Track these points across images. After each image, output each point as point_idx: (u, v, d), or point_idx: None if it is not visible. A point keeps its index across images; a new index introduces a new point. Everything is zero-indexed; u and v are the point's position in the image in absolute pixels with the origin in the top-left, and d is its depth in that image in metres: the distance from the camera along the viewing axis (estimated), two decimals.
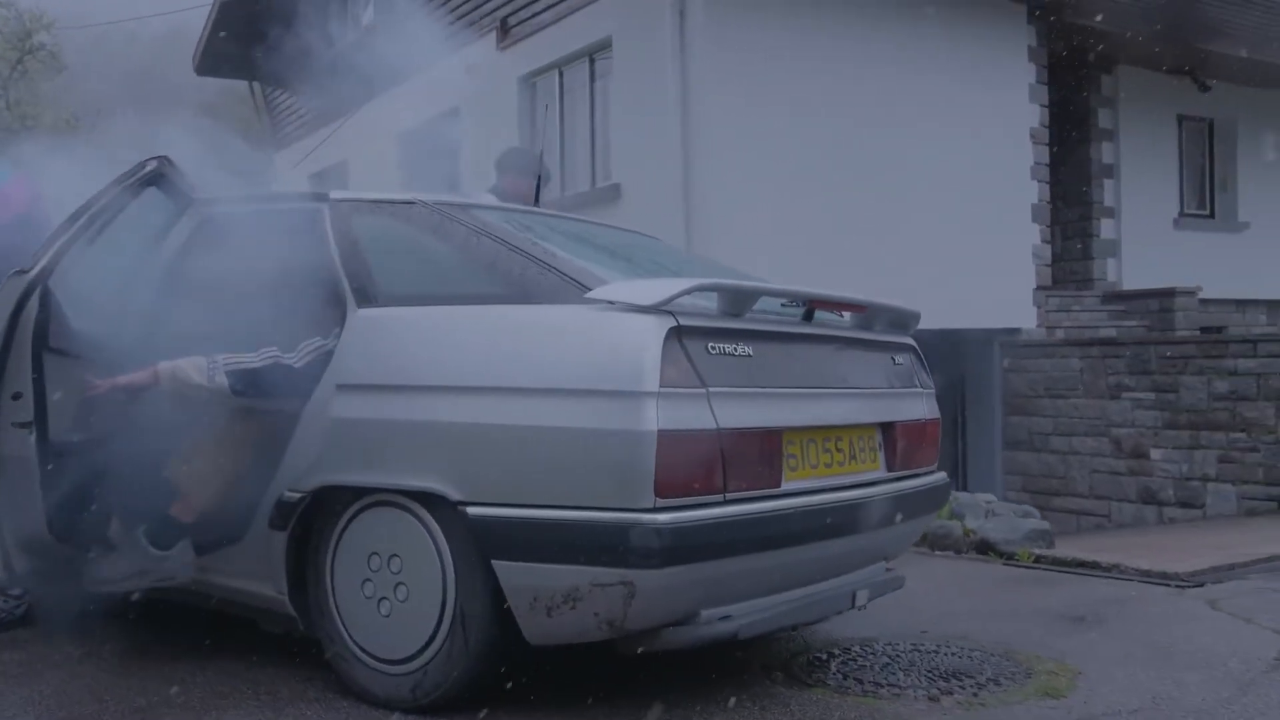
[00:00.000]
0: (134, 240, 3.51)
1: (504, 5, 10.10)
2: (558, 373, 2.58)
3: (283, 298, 3.14)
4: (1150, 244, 11.33)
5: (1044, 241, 9.89)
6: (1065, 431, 9.11)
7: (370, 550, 2.85)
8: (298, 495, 2.92)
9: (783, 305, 3.05)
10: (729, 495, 2.58)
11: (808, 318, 3.05)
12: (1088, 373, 8.99)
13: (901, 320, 3.41)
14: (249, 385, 3.04)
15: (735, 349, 2.69)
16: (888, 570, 3.35)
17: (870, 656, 3.35)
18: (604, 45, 8.88)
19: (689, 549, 2.48)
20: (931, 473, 3.44)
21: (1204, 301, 10.50)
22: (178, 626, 3.54)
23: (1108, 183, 11.37)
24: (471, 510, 2.60)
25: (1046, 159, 9.90)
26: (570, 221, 3.84)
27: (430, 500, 2.71)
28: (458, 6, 10.59)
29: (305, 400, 2.96)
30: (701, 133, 8.01)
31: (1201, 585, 4.50)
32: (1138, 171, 11.45)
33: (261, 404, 3.12)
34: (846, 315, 3.31)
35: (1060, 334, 9.94)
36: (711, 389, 2.57)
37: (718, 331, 2.67)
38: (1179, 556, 5.13)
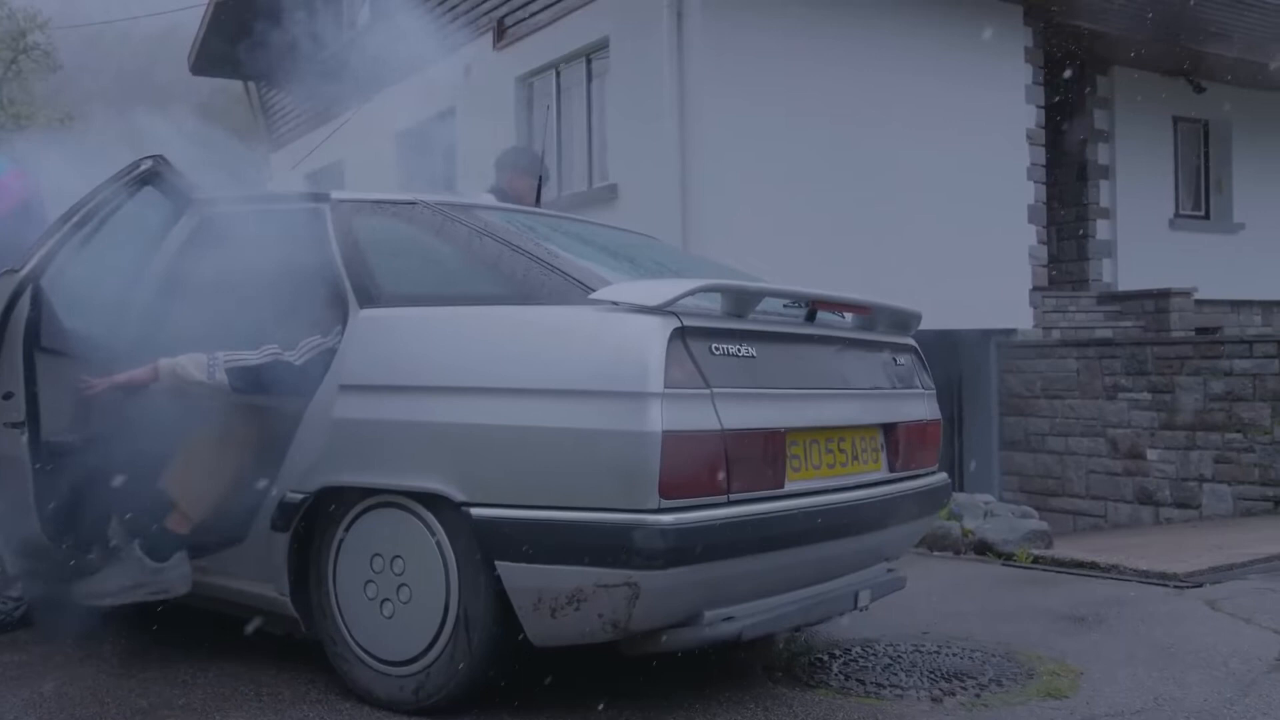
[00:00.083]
0: (132, 240, 3.50)
1: (500, 5, 10.10)
2: (562, 373, 2.58)
3: (284, 298, 3.13)
4: (1146, 245, 11.37)
5: (1040, 242, 9.92)
6: (1061, 432, 9.13)
7: (373, 551, 2.84)
8: (300, 496, 2.92)
9: (784, 306, 3.05)
10: (733, 496, 2.57)
11: (810, 318, 3.05)
12: (1084, 373, 9.00)
13: (903, 321, 3.41)
14: (249, 382, 3.03)
15: (739, 350, 2.69)
16: (889, 571, 3.35)
17: (872, 657, 3.35)
18: (601, 46, 8.88)
19: (693, 550, 2.48)
20: (932, 473, 3.45)
21: (1199, 302, 10.53)
22: (178, 628, 3.53)
23: (1103, 183, 11.41)
24: (475, 511, 2.60)
25: (1043, 160, 9.93)
26: (572, 222, 3.84)
27: (434, 501, 2.70)
28: (454, 7, 10.59)
29: (307, 400, 2.96)
30: (698, 133, 8.01)
31: (1200, 586, 4.51)
32: (1133, 172, 11.48)
33: (262, 403, 3.12)
34: (848, 316, 3.31)
35: (1056, 334, 9.96)
36: (715, 390, 2.57)
37: (721, 332, 2.67)
38: (1177, 557, 5.13)
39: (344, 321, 2.99)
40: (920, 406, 3.39)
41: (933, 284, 7.89)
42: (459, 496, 2.62)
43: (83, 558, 3.12)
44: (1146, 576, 4.67)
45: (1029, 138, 9.77)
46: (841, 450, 2.98)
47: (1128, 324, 10.40)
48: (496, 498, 2.59)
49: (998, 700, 2.95)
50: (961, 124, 9.12)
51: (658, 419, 2.44)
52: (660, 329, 2.52)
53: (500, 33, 10.06)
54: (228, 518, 3.12)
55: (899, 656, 3.36)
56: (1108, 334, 10.08)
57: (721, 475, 2.55)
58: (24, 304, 3.04)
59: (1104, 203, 11.40)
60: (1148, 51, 10.75)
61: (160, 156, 3.39)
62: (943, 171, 8.89)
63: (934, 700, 2.95)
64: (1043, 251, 9.96)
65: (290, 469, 2.96)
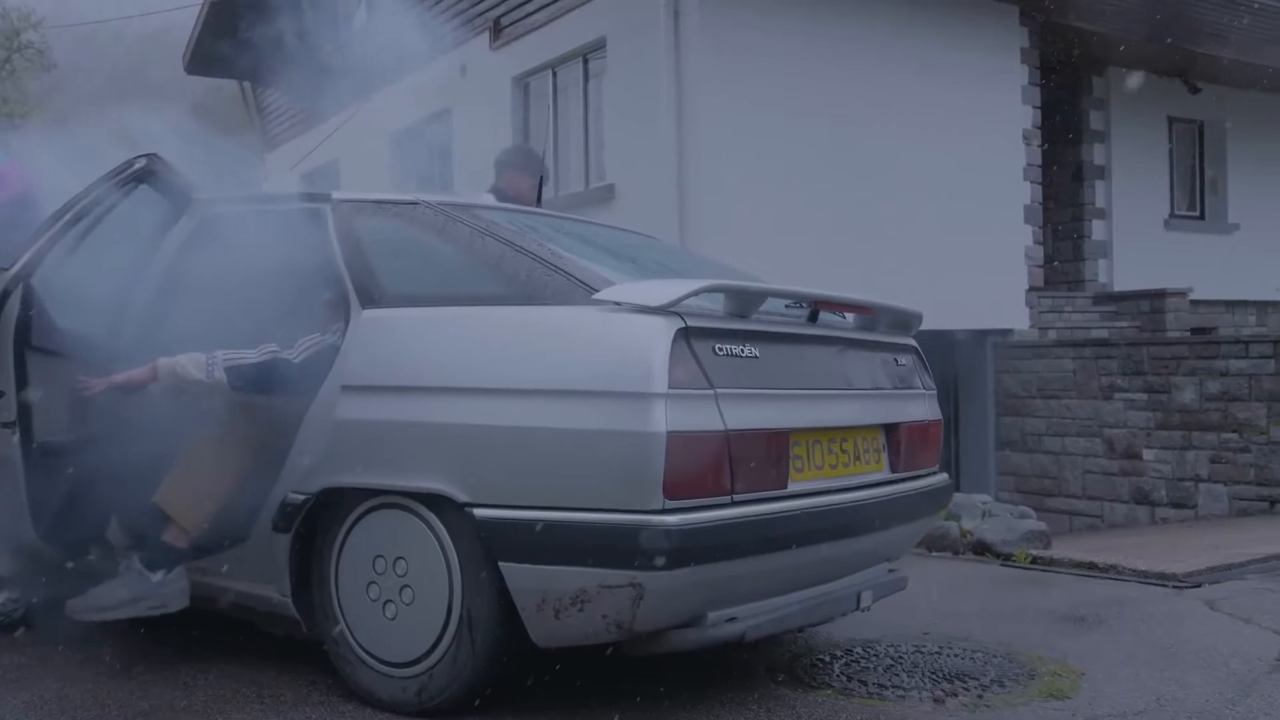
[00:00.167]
0: (131, 239, 3.48)
1: (497, 5, 10.08)
2: (565, 374, 2.58)
3: (285, 298, 3.12)
4: (1141, 245, 11.39)
5: (1036, 242, 9.93)
6: (1058, 432, 9.15)
7: (375, 552, 2.83)
8: (302, 497, 2.91)
9: (787, 306, 3.05)
10: (736, 496, 2.57)
11: (812, 319, 3.05)
12: (1080, 373, 9.02)
13: (904, 321, 3.42)
14: (248, 381, 3.02)
15: (742, 350, 2.69)
16: (891, 571, 3.35)
17: (873, 658, 3.35)
18: (598, 45, 8.87)
19: (697, 550, 2.47)
20: (933, 474, 3.45)
21: (1194, 302, 10.55)
22: (179, 629, 3.51)
23: (1099, 184, 11.43)
24: (478, 512, 2.59)
25: (1039, 160, 9.95)
26: (574, 222, 3.84)
27: (436, 502, 2.69)
28: (450, 6, 10.57)
29: (309, 401, 2.94)
30: (696, 133, 8.01)
31: (1199, 586, 4.51)
32: (1128, 173, 11.50)
33: (263, 403, 3.10)
34: (850, 316, 3.31)
35: (1052, 335, 9.98)
36: (719, 390, 2.57)
37: (725, 333, 2.67)
38: (1175, 557, 5.14)
39: (346, 322, 2.98)
40: (921, 407, 3.39)
41: (929, 284, 7.88)
42: (462, 497, 2.62)
43: (80, 559, 3.11)
44: (1145, 577, 4.68)
45: (1025, 138, 9.79)
46: (844, 451, 2.98)
47: (1123, 324, 10.42)
48: (500, 498, 2.58)
49: (1000, 701, 2.95)
50: (958, 124, 9.13)
51: (662, 419, 2.44)
52: (664, 329, 2.52)
53: (497, 32, 10.05)
54: (229, 519, 3.11)
55: (900, 657, 3.36)
56: (1104, 334, 10.10)
57: (725, 476, 2.54)
58: (14, 303, 3.02)
59: (1100, 203, 11.42)
60: (1143, 53, 10.76)
61: (155, 155, 3.36)
62: (940, 171, 8.90)
63: (936, 701, 2.95)
64: (1039, 252, 9.98)
65: (292, 470, 2.95)
